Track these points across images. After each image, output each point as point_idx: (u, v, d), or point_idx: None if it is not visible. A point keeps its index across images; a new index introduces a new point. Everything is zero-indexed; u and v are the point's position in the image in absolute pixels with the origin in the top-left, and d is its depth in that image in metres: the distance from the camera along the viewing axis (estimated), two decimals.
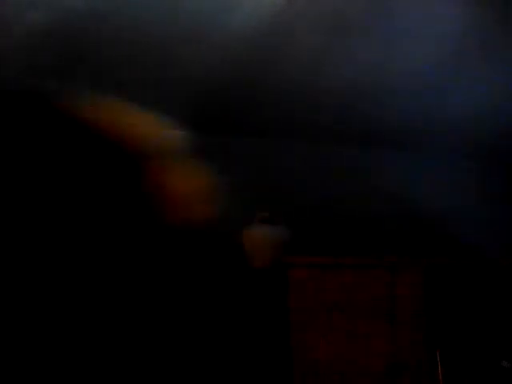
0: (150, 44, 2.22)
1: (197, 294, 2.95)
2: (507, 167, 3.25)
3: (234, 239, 2.84)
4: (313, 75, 2.43)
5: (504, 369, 2.74)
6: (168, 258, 2.65)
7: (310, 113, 2.77)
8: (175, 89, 2.58)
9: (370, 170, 3.14)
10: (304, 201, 3.03)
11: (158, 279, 2.31)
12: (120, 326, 2.22)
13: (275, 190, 3.02)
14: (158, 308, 2.37)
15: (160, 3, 1.97)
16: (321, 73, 2.41)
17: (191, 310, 2.84)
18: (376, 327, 2.68)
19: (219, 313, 2.68)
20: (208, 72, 2.43)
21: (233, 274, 2.87)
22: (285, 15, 2.02)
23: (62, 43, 2.21)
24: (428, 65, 2.33)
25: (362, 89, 2.52)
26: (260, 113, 2.81)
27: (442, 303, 2.77)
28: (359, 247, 2.99)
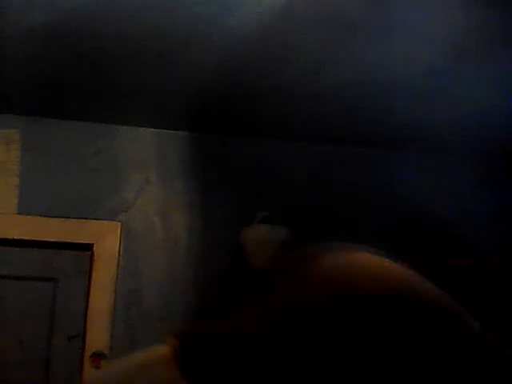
0: (150, 44, 2.22)
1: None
2: (507, 167, 3.24)
3: (234, 240, 2.84)
4: (313, 75, 2.42)
5: None
6: None
7: (310, 113, 2.76)
8: (175, 89, 2.58)
9: (370, 169, 3.14)
10: (304, 201, 3.03)
11: None
12: None
13: (275, 189, 3.02)
14: None
15: (160, 3, 1.97)
16: (321, 72, 2.41)
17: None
18: None
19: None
20: (208, 72, 2.43)
21: (233, 275, 2.86)
22: (284, 15, 2.01)
23: (61, 43, 2.21)
24: (428, 64, 2.32)
25: (362, 89, 2.52)
26: (260, 113, 2.80)
27: None
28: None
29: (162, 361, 0.41)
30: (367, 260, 0.45)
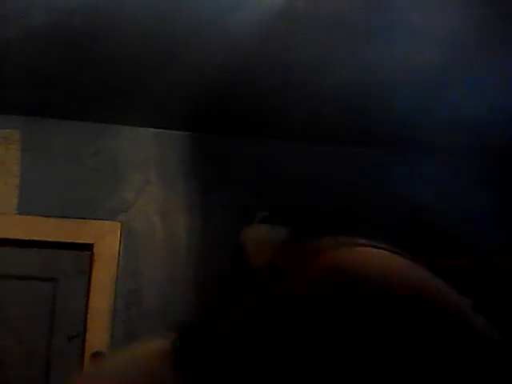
0: (150, 44, 2.22)
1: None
2: (507, 167, 3.24)
3: (234, 240, 2.84)
4: (313, 75, 2.43)
5: None
6: None
7: (310, 113, 2.76)
8: (175, 88, 2.58)
9: (370, 170, 3.14)
10: (304, 201, 3.03)
11: None
12: None
13: (275, 189, 3.02)
14: None
15: (160, 3, 1.97)
16: (321, 72, 2.41)
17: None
18: None
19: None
20: (208, 72, 2.43)
21: (233, 275, 2.86)
22: (284, 15, 2.01)
23: (61, 43, 2.21)
24: (428, 64, 2.32)
25: (362, 89, 2.52)
26: (260, 113, 2.81)
27: None
28: None
29: (159, 355, 0.40)
30: (382, 257, 0.44)
